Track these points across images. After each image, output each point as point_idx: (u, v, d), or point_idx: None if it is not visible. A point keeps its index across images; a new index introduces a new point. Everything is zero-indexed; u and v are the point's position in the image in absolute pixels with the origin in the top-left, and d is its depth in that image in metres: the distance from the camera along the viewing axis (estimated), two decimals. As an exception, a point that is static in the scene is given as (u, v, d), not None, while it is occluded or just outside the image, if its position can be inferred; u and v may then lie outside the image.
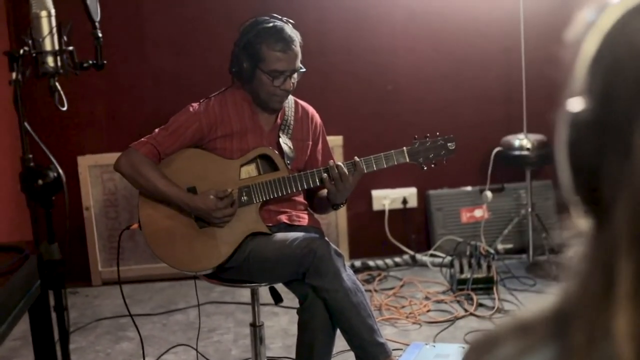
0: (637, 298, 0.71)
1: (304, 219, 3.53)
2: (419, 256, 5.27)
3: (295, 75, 3.35)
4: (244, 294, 4.71)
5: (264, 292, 3.57)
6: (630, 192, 0.72)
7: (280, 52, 3.29)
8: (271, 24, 3.32)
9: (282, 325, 4.41)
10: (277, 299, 3.44)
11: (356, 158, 3.31)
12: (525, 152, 4.92)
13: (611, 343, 0.72)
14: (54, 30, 2.28)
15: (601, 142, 0.75)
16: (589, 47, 0.78)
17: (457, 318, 4.39)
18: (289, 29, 3.33)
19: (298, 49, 3.33)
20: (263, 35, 3.30)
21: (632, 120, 0.71)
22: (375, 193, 5.34)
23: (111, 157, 3.77)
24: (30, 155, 2.20)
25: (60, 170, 2.24)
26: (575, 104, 0.78)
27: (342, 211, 5.19)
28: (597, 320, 0.74)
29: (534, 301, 4.46)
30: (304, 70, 3.37)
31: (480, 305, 4.50)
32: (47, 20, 2.29)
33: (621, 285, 0.72)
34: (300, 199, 3.57)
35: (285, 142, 3.43)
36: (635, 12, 0.75)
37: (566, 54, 0.80)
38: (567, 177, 0.80)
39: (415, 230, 5.42)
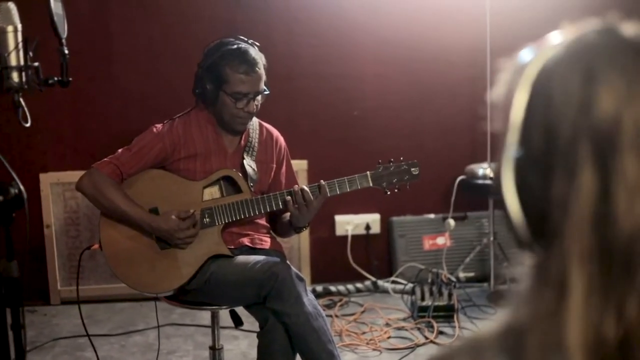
0: (587, 309, 0.81)
1: (266, 242, 3.52)
2: (380, 282, 5.27)
3: (259, 97, 3.35)
4: (204, 316, 4.68)
5: (224, 315, 3.55)
6: (576, 210, 0.83)
7: (244, 75, 3.28)
8: (235, 46, 3.32)
9: (242, 348, 4.38)
10: (238, 322, 3.42)
11: (321, 181, 3.32)
12: (488, 181, 4.96)
13: (564, 354, 0.81)
14: (20, 45, 2.27)
15: (548, 173, 0.87)
16: (521, 97, 0.91)
17: (418, 345, 4.39)
18: (254, 52, 3.33)
19: (262, 71, 3.33)
20: (227, 57, 3.30)
21: (574, 148, 0.85)
22: (339, 218, 5.34)
23: (74, 175, 3.75)
24: (-8, 171, 2.18)
25: (22, 187, 2.22)
26: (516, 150, 0.91)
27: (305, 235, 5.18)
28: (549, 333, 0.83)
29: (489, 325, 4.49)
30: (268, 92, 3.37)
31: (441, 333, 4.51)
32: (13, 35, 2.28)
33: (572, 298, 0.82)
34: (263, 222, 3.56)
35: (249, 164, 3.43)
36: (555, 60, 0.90)
37: (498, 108, 0.95)
38: (517, 216, 0.92)
39: (377, 256, 5.42)
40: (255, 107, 3.34)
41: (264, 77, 3.34)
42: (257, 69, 3.30)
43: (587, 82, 0.86)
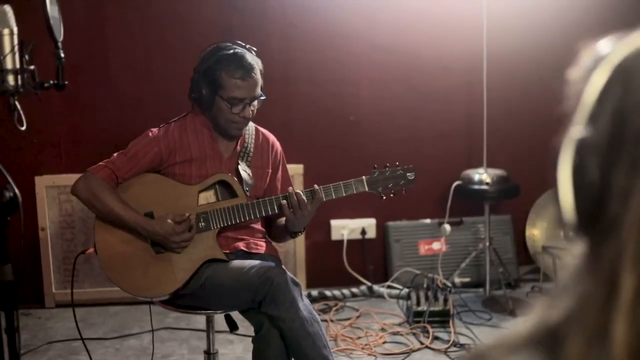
0: (635, 314, 0.76)
1: (261, 246, 3.52)
2: (376, 287, 5.26)
3: (255, 102, 3.34)
4: (199, 320, 4.68)
5: (219, 319, 3.54)
6: (637, 205, 0.78)
7: (240, 80, 3.28)
8: (231, 51, 3.31)
9: (236, 353, 4.37)
10: (233, 326, 3.42)
11: (315, 186, 3.31)
12: (484, 187, 4.96)
13: (608, 353, 0.76)
14: (16, 48, 2.27)
15: (610, 161, 0.81)
16: (599, 79, 0.85)
17: (413, 350, 4.38)
18: (250, 57, 3.32)
19: (258, 76, 3.33)
20: (223, 62, 3.29)
21: None
22: (334, 223, 5.33)
23: (69, 179, 3.74)
24: (-13, 175, 2.18)
25: (17, 191, 2.22)
26: (580, 131, 0.85)
27: (300, 240, 5.18)
28: (596, 332, 0.78)
29: (489, 335, 4.48)
30: (264, 97, 3.37)
31: (436, 338, 4.50)
32: (9, 38, 2.27)
33: (622, 297, 0.77)
34: (258, 226, 3.55)
35: (244, 170, 3.42)
36: None
37: (572, 88, 0.89)
38: (568, 200, 0.86)
39: (373, 261, 5.42)
40: (251, 112, 3.34)
41: (260, 82, 3.34)
42: (253, 74, 3.29)
43: None
